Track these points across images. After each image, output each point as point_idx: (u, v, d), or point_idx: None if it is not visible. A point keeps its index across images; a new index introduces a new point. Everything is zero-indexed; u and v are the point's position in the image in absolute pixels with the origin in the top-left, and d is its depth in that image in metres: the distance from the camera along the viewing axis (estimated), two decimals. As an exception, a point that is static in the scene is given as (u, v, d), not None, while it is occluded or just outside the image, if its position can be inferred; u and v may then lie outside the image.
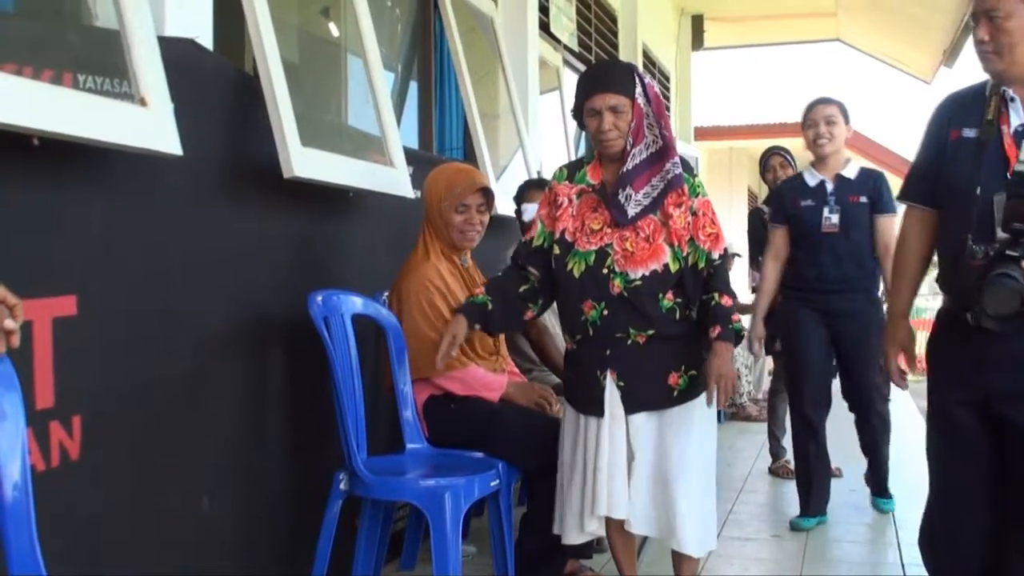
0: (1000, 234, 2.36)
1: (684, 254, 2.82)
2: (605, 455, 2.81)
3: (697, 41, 11.09)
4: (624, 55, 8.36)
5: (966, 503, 2.58)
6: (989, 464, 2.52)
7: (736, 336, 2.85)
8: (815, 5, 10.48)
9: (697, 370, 2.86)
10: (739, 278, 7.33)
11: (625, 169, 2.82)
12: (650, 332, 2.81)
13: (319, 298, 2.90)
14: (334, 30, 4.80)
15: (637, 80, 2.83)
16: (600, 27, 7.72)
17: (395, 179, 3.56)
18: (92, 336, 2.20)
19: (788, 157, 5.70)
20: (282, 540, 2.99)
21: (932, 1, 8.69)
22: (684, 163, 2.89)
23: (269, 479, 2.92)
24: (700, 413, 2.88)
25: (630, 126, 2.80)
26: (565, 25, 6.70)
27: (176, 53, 2.47)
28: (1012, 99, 2.45)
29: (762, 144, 5.95)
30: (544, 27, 6.24)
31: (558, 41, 6.57)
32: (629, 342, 2.82)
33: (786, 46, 13.61)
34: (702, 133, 12.82)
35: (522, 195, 4.21)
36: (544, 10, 6.24)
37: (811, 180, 4.33)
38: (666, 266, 2.80)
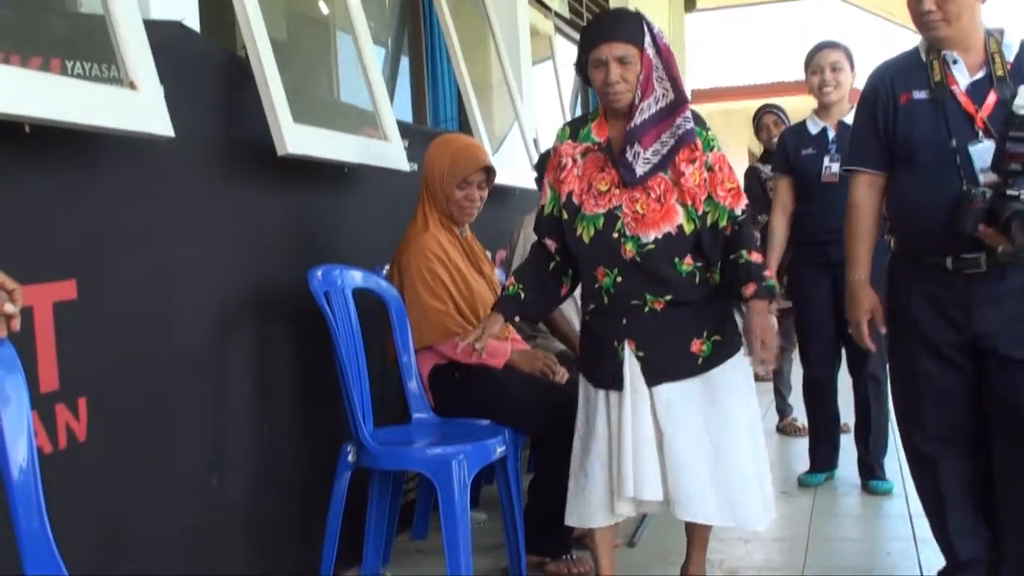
0: (985, 178, 2.52)
1: (700, 213, 2.65)
2: (628, 432, 2.65)
3: (689, 3, 11.04)
4: (616, 20, 8.30)
5: (955, 444, 2.75)
6: (972, 400, 2.71)
7: (770, 293, 2.68)
8: (807, -39, 10.43)
9: (722, 335, 2.72)
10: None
11: (633, 124, 2.64)
12: (668, 297, 2.66)
13: (319, 273, 2.91)
14: (323, 8, 4.80)
15: (646, 29, 2.65)
16: (591, -8, 7.69)
17: (390, 153, 3.56)
18: (94, 318, 2.22)
19: (781, 114, 5.66)
20: (292, 514, 3.02)
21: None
22: (696, 117, 2.71)
23: (277, 454, 2.95)
24: (732, 377, 2.74)
25: (638, 78, 2.61)
26: (555, -8, 6.68)
27: (163, 36, 2.47)
28: (956, 61, 2.63)
29: (759, 104, 5.92)
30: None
31: (549, 9, 6.54)
32: (646, 309, 2.67)
33: (780, 3, 13.52)
34: (698, 96, 12.77)
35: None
36: (534, -22, 6.22)
37: (813, 128, 4.27)
38: (680, 228, 2.64)
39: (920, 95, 2.68)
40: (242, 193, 2.85)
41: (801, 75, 4.42)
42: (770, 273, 2.72)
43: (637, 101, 2.63)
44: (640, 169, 2.64)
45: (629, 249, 2.64)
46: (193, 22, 2.76)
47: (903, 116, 2.71)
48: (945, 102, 2.62)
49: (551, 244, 2.83)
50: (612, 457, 2.69)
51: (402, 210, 3.41)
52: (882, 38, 13.03)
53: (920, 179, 2.69)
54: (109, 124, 2.17)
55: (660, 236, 2.63)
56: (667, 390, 2.67)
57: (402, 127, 3.75)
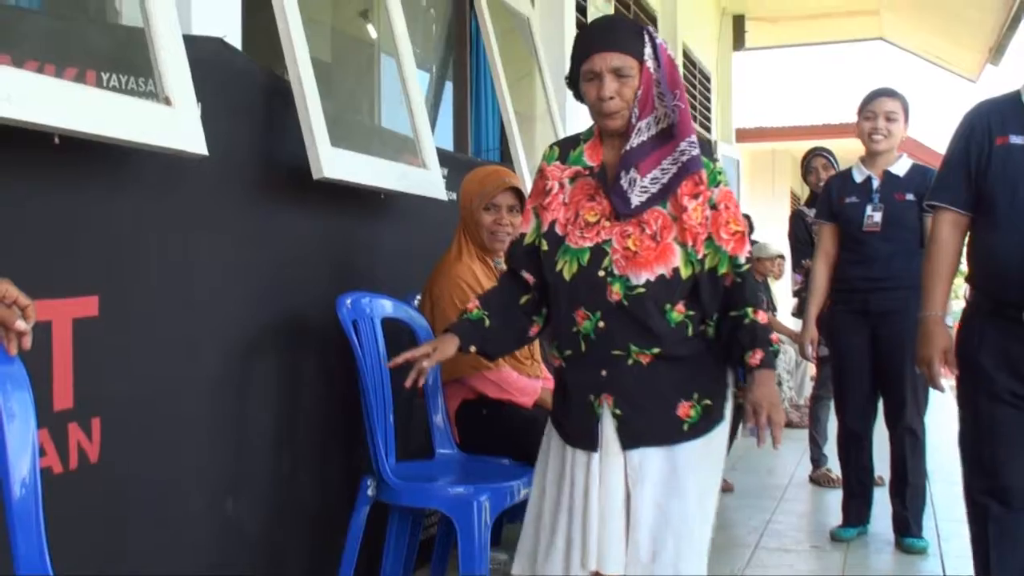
0: None
1: (699, 256, 2.31)
2: (596, 499, 2.31)
3: (738, 41, 10.98)
4: (664, 55, 8.26)
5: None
6: None
7: (775, 360, 2.42)
8: (858, 4, 10.34)
9: (712, 399, 2.38)
10: (786, 281, 7.22)
11: (629, 147, 2.31)
12: (655, 350, 2.31)
13: (348, 301, 2.86)
14: (371, 31, 4.78)
15: (647, 39, 2.32)
16: (639, 27, 7.63)
17: (428, 181, 3.51)
18: (113, 337, 2.17)
19: (831, 159, 5.60)
20: (308, 545, 2.95)
21: (978, -1, 8.55)
22: (702, 145, 2.37)
23: (295, 482, 2.89)
24: (705, 449, 2.37)
25: (636, 94, 2.29)
26: (603, 25, 6.63)
27: (203, 52, 2.44)
28: None
29: (804, 145, 5.86)
30: (581, 27, 6.17)
31: (596, 41, 6.48)
32: (630, 362, 2.32)
33: (829, 45, 13.45)
34: (743, 135, 12.70)
35: None
36: (582, 10, 6.18)
37: (858, 176, 4.20)
38: (676, 271, 2.29)
39: (1017, 140, 2.62)
40: (274, 215, 2.80)
41: (848, 118, 4.36)
42: (776, 338, 2.48)
43: (634, 120, 2.31)
44: (636, 199, 2.31)
45: (616, 291, 2.30)
46: (235, 39, 2.72)
47: (997, 159, 2.64)
48: None
49: (528, 278, 2.50)
50: (575, 521, 2.35)
51: (438, 240, 3.35)
52: (930, 81, 12.94)
53: (1006, 228, 2.63)
54: (141, 139, 2.12)
55: (652, 279, 2.29)
56: (639, 455, 2.34)
57: (442, 155, 3.70)
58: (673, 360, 2.33)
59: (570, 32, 5.82)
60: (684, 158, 2.30)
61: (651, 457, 2.33)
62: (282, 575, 2.82)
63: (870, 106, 4.14)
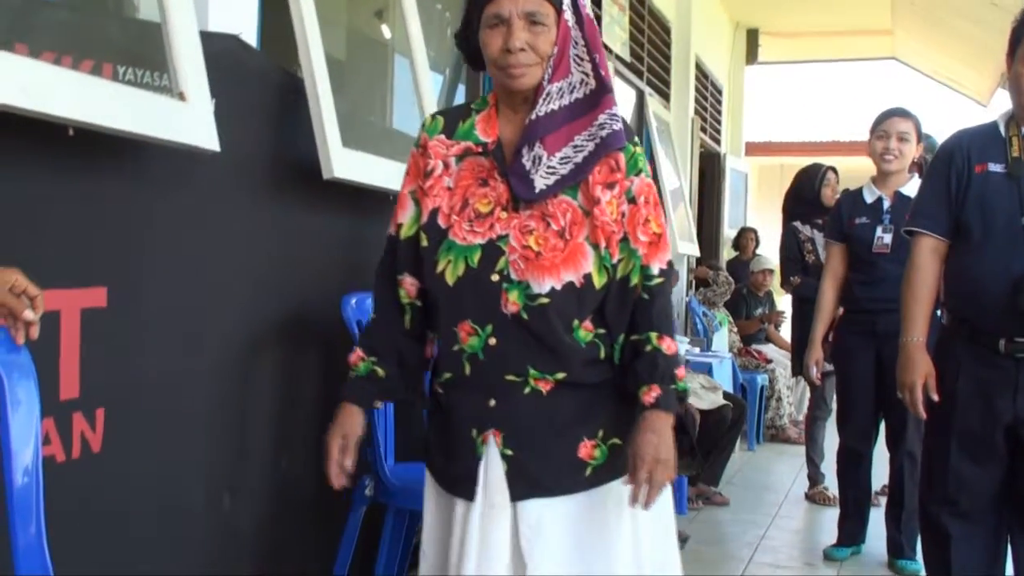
0: None
1: (614, 261, 1.89)
2: (472, 561, 1.85)
3: (751, 55, 11.00)
4: (676, 66, 8.29)
5: (978, 525, 2.76)
6: (1002, 478, 2.71)
7: (678, 402, 1.91)
8: (871, 23, 10.35)
9: (621, 438, 1.92)
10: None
11: (536, 115, 1.84)
12: (559, 375, 1.88)
13: (353, 300, 2.87)
14: (386, 31, 4.79)
15: None
16: (653, 37, 7.66)
17: (436, 183, 3.52)
18: (120, 329, 2.18)
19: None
20: (304, 542, 2.96)
21: (990, 22, 8.54)
22: (625, 123, 1.92)
23: (294, 480, 2.89)
24: (630, 507, 1.86)
25: (553, 49, 1.84)
26: (617, 35, 6.65)
27: (219, 49, 2.45)
28: None
29: (814, 161, 5.85)
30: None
31: (609, 50, 6.51)
32: (527, 390, 1.88)
33: (841, 63, 13.46)
34: (753, 148, 12.73)
35: None
36: (597, 18, 6.19)
37: (869, 196, 4.20)
38: (587, 278, 1.87)
39: (996, 168, 2.65)
40: (284, 213, 2.81)
41: (859, 136, 4.36)
42: (681, 372, 1.94)
43: (545, 83, 1.85)
44: (540, 182, 1.84)
45: (513, 300, 1.86)
46: (251, 37, 2.74)
47: (976, 186, 2.68)
48: (1021, 178, 2.60)
49: (409, 284, 2.01)
50: None
51: (444, 242, 3.35)
52: (941, 103, 12.93)
53: (984, 255, 2.66)
54: (154, 133, 2.13)
55: (559, 287, 1.85)
56: (537, 507, 1.88)
57: (452, 158, 3.70)
58: (578, 388, 1.91)
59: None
60: (603, 132, 1.86)
61: (555, 511, 1.88)
62: (277, 572, 2.83)
63: (882, 126, 4.14)
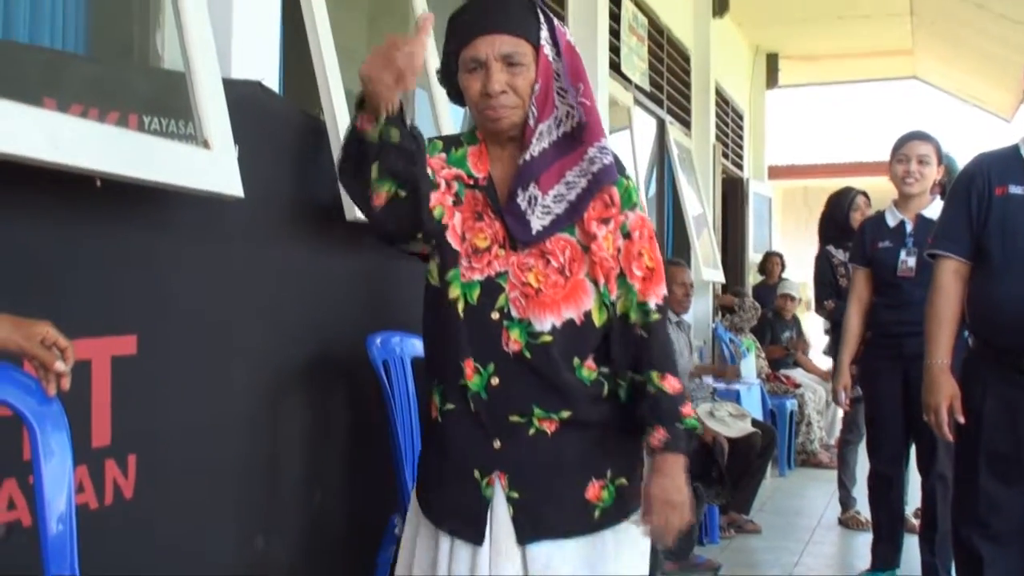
0: None
1: (613, 298, 1.88)
2: None
3: (771, 79, 11.00)
4: (696, 93, 8.31)
5: (1015, 535, 2.75)
6: None
7: (687, 442, 1.88)
8: (891, 44, 10.34)
9: (628, 478, 1.92)
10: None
11: (528, 156, 1.83)
12: (564, 415, 1.86)
13: (378, 340, 2.88)
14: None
15: (542, 18, 1.85)
16: (672, 66, 7.68)
17: (459, 220, 3.54)
18: (151, 376, 2.21)
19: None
20: (336, 581, 2.97)
21: (1011, 39, 8.54)
22: (615, 157, 1.91)
23: (326, 521, 2.90)
24: (630, 535, 1.90)
25: (534, 89, 1.82)
26: (636, 65, 6.68)
27: (241, 95, 2.48)
28: None
29: (837, 183, 5.84)
30: (615, 67, 6.22)
31: (629, 81, 6.54)
32: (531, 431, 1.86)
33: (862, 84, 13.43)
34: (776, 172, 12.69)
35: None
36: (615, 50, 6.22)
37: (891, 220, 4.20)
38: (588, 315, 1.87)
39: (1016, 190, 2.68)
40: (308, 256, 2.84)
41: (882, 156, 4.36)
42: (688, 410, 1.90)
43: (532, 123, 1.83)
44: (537, 223, 1.83)
45: (514, 338, 1.85)
46: (273, 81, 2.77)
47: (997, 209, 2.70)
48: None
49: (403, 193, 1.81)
50: None
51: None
52: (964, 120, 12.87)
53: (1005, 276, 2.69)
54: (179, 182, 2.17)
55: (560, 324, 1.85)
56: (547, 550, 1.84)
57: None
58: (584, 428, 1.89)
59: (603, 71, 5.85)
60: (595, 168, 1.85)
61: (564, 553, 1.86)
62: (309, 612, 2.84)
63: (902, 149, 4.14)
